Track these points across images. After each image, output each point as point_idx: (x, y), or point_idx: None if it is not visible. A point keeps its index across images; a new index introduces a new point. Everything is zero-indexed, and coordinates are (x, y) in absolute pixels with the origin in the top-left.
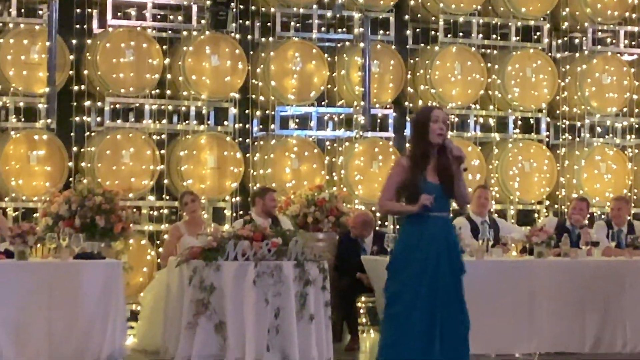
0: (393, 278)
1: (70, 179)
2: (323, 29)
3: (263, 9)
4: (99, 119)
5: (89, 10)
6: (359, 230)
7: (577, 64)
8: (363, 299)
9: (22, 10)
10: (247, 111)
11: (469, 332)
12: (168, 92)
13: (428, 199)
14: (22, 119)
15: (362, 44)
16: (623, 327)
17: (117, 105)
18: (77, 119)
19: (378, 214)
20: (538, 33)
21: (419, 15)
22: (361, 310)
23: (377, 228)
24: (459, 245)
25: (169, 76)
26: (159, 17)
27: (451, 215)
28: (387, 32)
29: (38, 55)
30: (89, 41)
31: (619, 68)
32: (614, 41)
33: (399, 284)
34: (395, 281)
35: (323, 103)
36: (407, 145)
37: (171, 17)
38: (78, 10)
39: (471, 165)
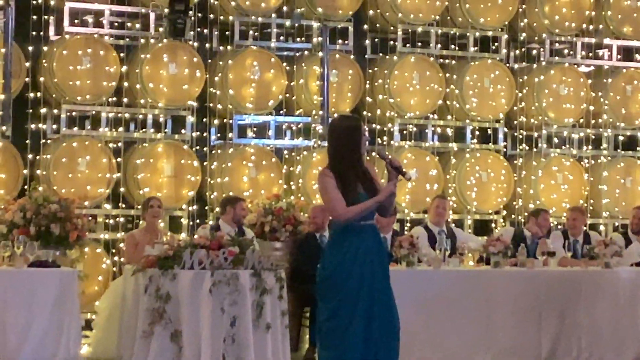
0: (331, 292)
1: (26, 187)
2: (282, 37)
3: (221, 17)
4: (55, 126)
5: (46, 17)
6: (320, 219)
7: (534, 75)
8: None
9: None
10: (204, 119)
11: (399, 334)
12: (125, 99)
13: (394, 184)
14: None
15: (320, 53)
16: (578, 336)
17: (74, 113)
18: (33, 126)
19: None
20: (496, 44)
21: (377, 25)
22: None
23: None
24: (386, 249)
25: (126, 84)
26: (116, 24)
27: (408, 224)
28: (346, 42)
29: None
30: (45, 48)
31: (575, 79)
32: (571, 52)
33: (337, 300)
34: (334, 296)
35: (281, 112)
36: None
37: (129, 24)
38: (34, 17)
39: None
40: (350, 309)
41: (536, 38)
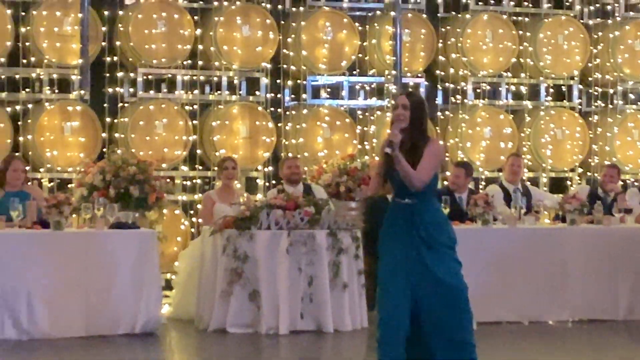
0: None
1: (104, 150)
2: None
3: None
4: (131, 89)
5: None
6: None
7: (609, 31)
8: None
9: None
10: (278, 81)
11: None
12: (200, 62)
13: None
14: (56, 91)
15: (393, 13)
16: None
17: (150, 76)
18: (110, 90)
19: None
20: (570, 0)
21: None
22: None
23: None
24: (429, 230)
25: (200, 47)
26: None
27: (483, 183)
28: (418, 1)
29: (71, 27)
30: (121, 12)
31: None
32: None
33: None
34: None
35: (354, 72)
36: None
37: None
38: None
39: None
40: (386, 273)
41: None
